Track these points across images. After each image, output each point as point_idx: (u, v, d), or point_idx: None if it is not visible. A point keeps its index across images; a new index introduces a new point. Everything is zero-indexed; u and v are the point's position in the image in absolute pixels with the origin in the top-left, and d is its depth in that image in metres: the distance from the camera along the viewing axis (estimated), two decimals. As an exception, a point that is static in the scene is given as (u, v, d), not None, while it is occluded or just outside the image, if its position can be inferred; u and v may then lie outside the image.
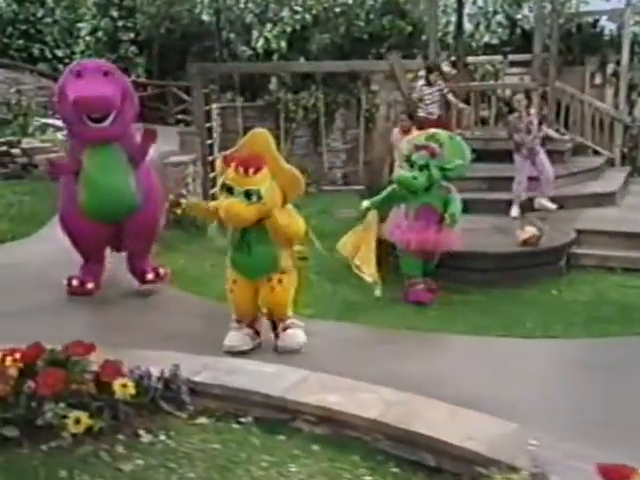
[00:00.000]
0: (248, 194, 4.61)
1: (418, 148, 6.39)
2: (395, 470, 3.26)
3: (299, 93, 12.80)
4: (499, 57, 12.51)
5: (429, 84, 10.30)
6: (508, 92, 12.26)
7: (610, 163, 11.13)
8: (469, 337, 5.66)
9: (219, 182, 4.83)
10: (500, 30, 13.54)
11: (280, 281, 4.98)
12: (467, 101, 11.89)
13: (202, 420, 3.73)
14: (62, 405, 3.50)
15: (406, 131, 8.64)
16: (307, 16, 13.73)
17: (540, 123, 8.72)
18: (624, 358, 5.20)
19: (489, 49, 13.18)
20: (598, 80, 12.28)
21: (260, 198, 4.63)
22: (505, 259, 7.19)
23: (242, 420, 3.70)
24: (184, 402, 3.75)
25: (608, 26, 12.68)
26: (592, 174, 10.21)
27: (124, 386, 3.60)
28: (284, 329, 5.03)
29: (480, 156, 10.14)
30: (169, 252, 8.71)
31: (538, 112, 8.73)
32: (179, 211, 9.75)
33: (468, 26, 13.13)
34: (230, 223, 4.80)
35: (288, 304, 5.15)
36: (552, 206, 8.55)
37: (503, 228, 7.91)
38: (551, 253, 7.37)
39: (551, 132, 9.21)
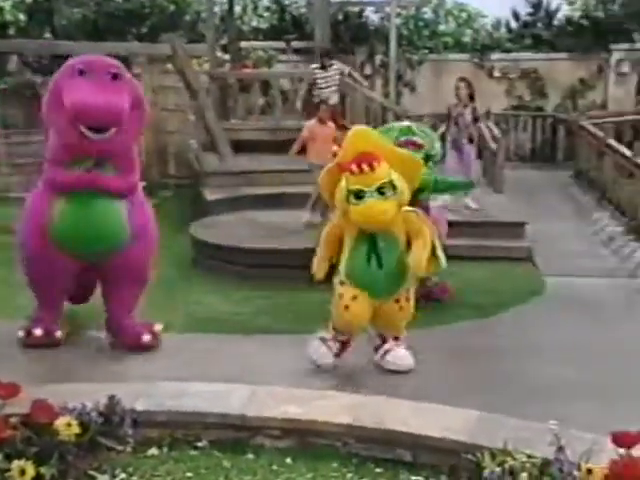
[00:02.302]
0: (381, 190, 4.44)
1: (401, 145, 5.91)
2: (379, 470, 3.55)
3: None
4: (277, 43, 12.99)
5: (323, 68, 10.60)
6: (283, 81, 12.82)
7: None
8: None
9: (339, 194, 4.52)
10: (267, 14, 14.04)
11: (407, 299, 4.78)
12: (245, 89, 12.26)
13: (153, 451, 3.67)
14: None
15: (323, 122, 8.12)
16: (50, -14, 12.99)
17: (475, 120, 8.76)
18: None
19: (259, 34, 13.60)
20: (368, 70, 13.37)
21: (395, 188, 4.47)
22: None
23: (198, 445, 3.70)
24: (125, 435, 3.62)
25: (371, 17, 13.83)
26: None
27: (69, 425, 3.41)
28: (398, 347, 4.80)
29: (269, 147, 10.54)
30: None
31: (473, 108, 8.60)
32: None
33: (236, 8, 13.41)
34: (373, 226, 4.53)
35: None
36: (475, 205, 8.61)
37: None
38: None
39: (486, 133, 9.33)
